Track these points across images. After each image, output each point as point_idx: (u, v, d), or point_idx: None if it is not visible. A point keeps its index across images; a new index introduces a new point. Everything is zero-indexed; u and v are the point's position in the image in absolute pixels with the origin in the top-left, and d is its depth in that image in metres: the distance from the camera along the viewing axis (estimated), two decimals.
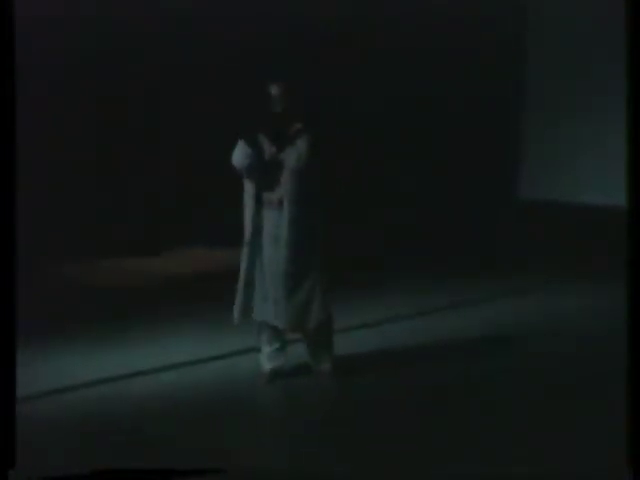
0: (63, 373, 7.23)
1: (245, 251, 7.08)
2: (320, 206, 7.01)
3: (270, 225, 6.99)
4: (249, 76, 10.36)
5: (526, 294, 9.52)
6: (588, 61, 11.31)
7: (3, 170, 5.13)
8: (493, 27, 11.69)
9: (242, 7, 11.23)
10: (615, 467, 5.29)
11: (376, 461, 5.74)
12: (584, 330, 8.32)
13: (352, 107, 11.46)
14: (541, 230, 11.25)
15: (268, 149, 6.98)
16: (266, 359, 7.25)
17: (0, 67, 5.13)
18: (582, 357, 7.59)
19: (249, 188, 7.03)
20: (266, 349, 7.25)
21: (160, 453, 5.84)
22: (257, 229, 7.02)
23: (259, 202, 7.00)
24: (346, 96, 11.38)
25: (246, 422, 6.48)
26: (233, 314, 7.13)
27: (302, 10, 11.24)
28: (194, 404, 6.75)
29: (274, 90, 6.94)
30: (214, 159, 7.87)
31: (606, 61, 10.71)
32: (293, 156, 6.92)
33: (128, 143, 11.23)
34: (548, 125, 11.69)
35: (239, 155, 6.95)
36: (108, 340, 8.03)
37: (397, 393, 6.93)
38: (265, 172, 6.95)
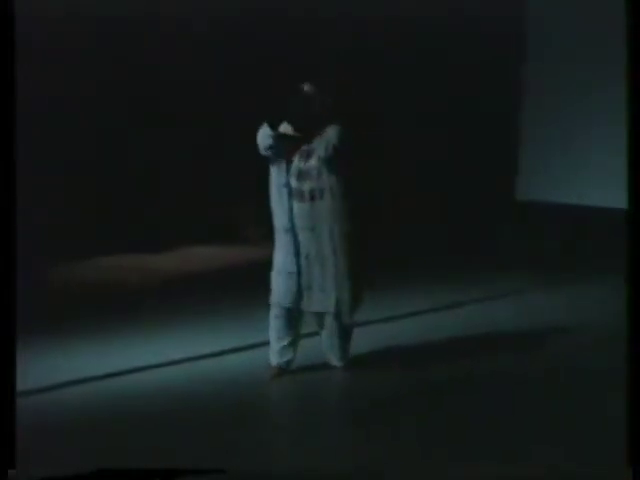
0: (63, 373, 7.22)
1: (281, 240, 7.09)
2: (352, 197, 7.06)
3: (303, 216, 6.99)
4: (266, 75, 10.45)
5: (526, 294, 9.53)
6: (588, 61, 11.32)
7: (3, 170, 5.14)
8: (492, 27, 11.68)
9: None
10: (615, 467, 5.29)
11: (378, 460, 5.75)
12: (584, 329, 8.32)
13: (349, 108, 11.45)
14: (541, 230, 11.25)
15: (293, 135, 7.00)
16: (276, 354, 7.20)
17: (0, 67, 5.13)
18: (582, 356, 7.59)
19: (276, 177, 7.05)
20: (277, 345, 7.18)
21: (161, 452, 5.83)
22: (290, 219, 7.02)
23: (290, 192, 7.01)
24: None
25: (252, 418, 6.47)
26: (274, 305, 7.15)
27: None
28: (198, 401, 6.74)
29: (307, 88, 7.00)
30: (215, 158, 7.90)
31: (606, 61, 10.72)
32: (322, 145, 6.95)
33: (128, 143, 11.24)
34: (548, 125, 11.69)
35: (261, 134, 7.01)
36: (108, 338, 8.03)
37: (402, 391, 6.93)
38: (290, 160, 6.98)
